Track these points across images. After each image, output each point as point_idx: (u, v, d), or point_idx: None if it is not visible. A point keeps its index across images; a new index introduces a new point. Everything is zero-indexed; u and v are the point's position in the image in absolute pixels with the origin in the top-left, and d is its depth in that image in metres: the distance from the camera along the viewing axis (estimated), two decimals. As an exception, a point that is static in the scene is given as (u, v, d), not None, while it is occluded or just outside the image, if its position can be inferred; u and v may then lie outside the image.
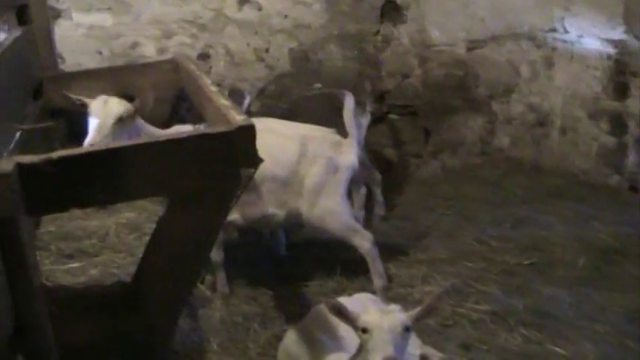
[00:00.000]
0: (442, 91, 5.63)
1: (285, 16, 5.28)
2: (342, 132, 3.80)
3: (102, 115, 3.33)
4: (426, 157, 5.76)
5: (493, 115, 5.78)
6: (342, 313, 2.40)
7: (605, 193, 5.08)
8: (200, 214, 2.31)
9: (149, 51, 5.13)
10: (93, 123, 3.34)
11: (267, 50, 5.31)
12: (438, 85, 5.62)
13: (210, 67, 5.23)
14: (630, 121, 4.99)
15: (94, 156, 2.02)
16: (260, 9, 5.23)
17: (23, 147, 3.06)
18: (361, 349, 2.37)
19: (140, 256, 2.84)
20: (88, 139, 3.29)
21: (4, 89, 2.88)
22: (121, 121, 3.33)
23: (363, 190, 4.68)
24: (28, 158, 1.88)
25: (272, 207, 3.69)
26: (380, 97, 5.51)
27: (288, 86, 4.80)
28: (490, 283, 3.91)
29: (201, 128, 3.18)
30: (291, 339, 2.99)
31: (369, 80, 5.26)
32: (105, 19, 5.04)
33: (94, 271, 3.91)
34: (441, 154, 5.78)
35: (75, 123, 3.71)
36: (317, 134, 3.76)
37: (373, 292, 3.62)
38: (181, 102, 4.30)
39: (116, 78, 3.95)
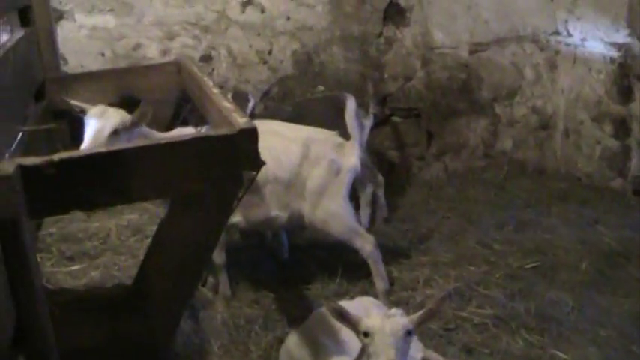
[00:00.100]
0: (445, 94, 5.63)
1: (288, 18, 5.28)
2: (345, 134, 3.80)
3: (98, 125, 3.26)
4: (428, 160, 5.75)
5: (496, 118, 5.78)
6: (343, 316, 2.40)
7: (609, 196, 5.07)
8: (202, 216, 2.30)
9: (152, 52, 5.13)
10: (89, 132, 3.28)
11: (269, 52, 5.30)
12: (441, 87, 5.61)
13: (213, 69, 5.23)
14: (634, 125, 4.98)
15: (95, 158, 2.02)
16: (263, 11, 5.23)
17: (26, 148, 3.06)
18: (363, 352, 2.37)
19: (142, 257, 2.83)
20: (83, 148, 3.25)
21: (6, 90, 2.88)
22: (116, 133, 3.25)
23: (370, 189, 4.68)
24: (29, 160, 1.88)
25: (274, 209, 3.68)
26: (383, 99, 5.50)
27: (291, 88, 4.80)
28: (493, 286, 3.90)
29: (203, 131, 3.19)
30: (292, 342, 2.98)
31: (372, 82, 5.26)
32: (108, 21, 5.05)
33: (95, 273, 3.90)
34: (444, 156, 5.77)
35: (78, 125, 3.70)
36: (320, 136, 3.76)
37: (375, 295, 3.62)
38: (184, 104, 4.30)
39: (119, 80, 3.95)
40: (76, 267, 3.98)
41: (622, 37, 4.99)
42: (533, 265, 4.13)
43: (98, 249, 4.20)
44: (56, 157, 1.91)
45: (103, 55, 5.07)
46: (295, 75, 5.33)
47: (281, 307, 3.78)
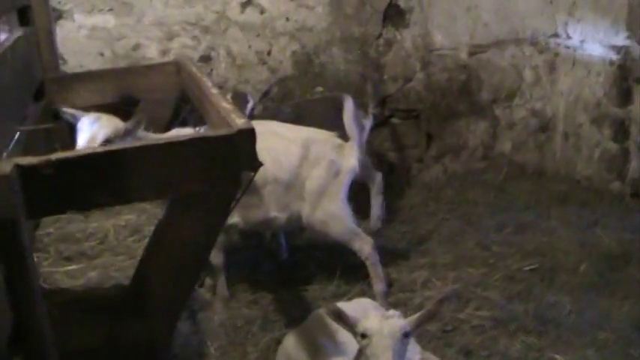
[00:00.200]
0: (445, 96, 5.63)
1: (288, 19, 5.27)
2: (345, 135, 3.80)
3: (90, 134, 3.22)
4: (428, 162, 5.75)
5: (496, 120, 5.77)
6: (341, 318, 2.39)
7: (608, 198, 5.06)
8: (200, 216, 2.30)
9: (151, 53, 5.12)
10: (81, 141, 3.24)
11: (269, 53, 5.30)
12: (440, 89, 5.61)
13: (212, 70, 5.22)
14: (633, 127, 4.98)
15: (93, 158, 2.01)
16: (263, 11, 5.23)
17: (24, 148, 3.05)
18: (360, 354, 2.36)
19: (139, 258, 2.83)
20: None
21: (5, 90, 2.88)
22: (109, 142, 3.19)
23: (379, 177, 4.66)
24: (27, 160, 1.87)
25: (274, 210, 3.68)
26: (382, 100, 5.50)
27: (290, 89, 4.80)
28: (491, 288, 3.90)
29: (201, 131, 3.18)
30: (290, 343, 2.98)
31: (371, 83, 5.25)
32: (107, 21, 5.04)
33: (93, 274, 3.90)
34: (443, 158, 5.77)
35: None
36: (319, 137, 3.76)
37: (373, 297, 3.61)
38: (183, 104, 4.29)
39: (118, 80, 3.94)
40: (73, 267, 3.97)
41: (621, 39, 4.99)
42: (532, 267, 4.13)
43: (96, 249, 4.19)
44: (54, 156, 1.90)
45: (102, 55, 5.07)
46: (295, 76, 5.32)
47: (279, 308, 3.77)
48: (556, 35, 5.58)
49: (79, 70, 4.88)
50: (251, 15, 5.22)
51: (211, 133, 2.33)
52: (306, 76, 5.34)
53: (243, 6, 5.20)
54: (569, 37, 5.48)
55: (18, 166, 1.82)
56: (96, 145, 3.17)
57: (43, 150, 3.34)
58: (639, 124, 4.92)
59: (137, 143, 2.60)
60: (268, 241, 4.48)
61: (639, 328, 3.50)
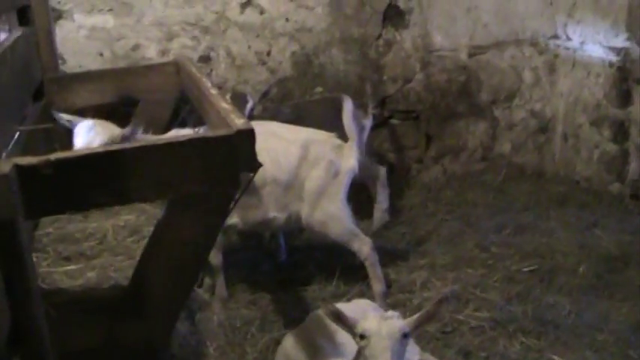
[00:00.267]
0: (444, 96, 5.63)
1: (288, 20, 5.27)
2: (344, 136, 3.80)
3: (86, 141, 3.21)
4: (427, 162, 5.75)
5: (495, 121, 5.77)
6: (340, 318, 2.39)
7: (607, 200, 5.06)
8: (199, 217, 2.30)
9: (151, 53, 5.12)
10: (76, 146, 3.23)
11: (268, 53, 5.30)
12: (440, 90, 5.61)
13: (212, 70, 5.22)
14: (632, 129, 4.98)
15: (93, 158, 2.01)
16: (262, 12, 5.22)
17: (23, 148, 3.05)
18: (359, 355, 2.36)
19: (138, 258, 2.83)
20: None
21: (4, 90, 2.88)
22: None
23: (383, 171, 4.68)
24: (26, 160, 1.87)
25: (273, 210, 3.68)
26: (382, 101, 5.50)
27: (290, 90, 4.80)
28: (490, 289, 3.89)
29: (200, 132, 3.18)
30: (289, 344, 2.98)
31: (370, 84, 5.25)
32: (107, 21, 5.03)
33: (91, 274, 3.88)
34: (442, 159, 5.77)
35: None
36: (318, 138, 3.76)
37: (372, 298, 3.61)
38: (183, 105, 4.29)
39: (117, 80, 3.95)
40: (72, 267, 3.95)
41: (621, 41, 4.99)
42: (531, 268, 4.12)
43: (95, 249, 4.18)
44: (53, 156, 1.90)
45: (101, 55, 5.06)
46: (294, 76, 5.32)
47: (278, 309, 3.77)
48: (556, 36, 5.59)
49: (78, 70, 4.88)
50: (251, 15, 5.22)
51: (210, 133, 2.34)
52: (305, 76, 5.34)
53: (243, 6, 5.20)
54: (568, 39, 5.49)
55: (17, 166, 1.82)
56: None
57: (42, 150, 3.34)
58: (639, 125, 4.92)
59: (136, 144, 2.60)
60: (267, 242, 4.48)
61: (638, 330, 3.50)
